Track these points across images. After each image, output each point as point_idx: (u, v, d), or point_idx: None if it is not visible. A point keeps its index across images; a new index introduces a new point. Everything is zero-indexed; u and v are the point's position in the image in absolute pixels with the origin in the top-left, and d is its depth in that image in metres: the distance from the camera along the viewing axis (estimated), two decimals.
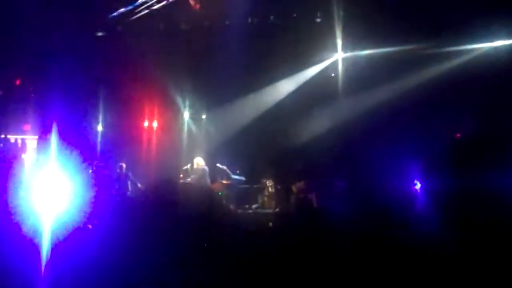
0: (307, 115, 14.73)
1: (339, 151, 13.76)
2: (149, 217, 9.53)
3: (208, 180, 13.60)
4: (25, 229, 7.60)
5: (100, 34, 13.84)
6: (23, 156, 14.22)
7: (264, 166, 14.46)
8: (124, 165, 14.19)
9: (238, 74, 14.12)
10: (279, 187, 13.82)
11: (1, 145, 14.42)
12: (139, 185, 13.95)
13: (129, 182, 14.05)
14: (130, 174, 14.23)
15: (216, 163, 14.04)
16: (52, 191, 12.08)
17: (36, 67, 14.19)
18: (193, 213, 10.10)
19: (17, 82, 15.09)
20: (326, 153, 13.66)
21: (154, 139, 16.42)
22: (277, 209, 12.92)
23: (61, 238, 7.57)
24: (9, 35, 12.80)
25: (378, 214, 8.89)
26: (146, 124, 16.63)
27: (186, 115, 16.84)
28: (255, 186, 14.34)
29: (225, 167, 13.98)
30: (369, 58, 14.08)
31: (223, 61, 13.55)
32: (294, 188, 13.05)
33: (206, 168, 13.65)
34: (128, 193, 13.82)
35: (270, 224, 10.55)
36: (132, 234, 7.98)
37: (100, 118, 16.02)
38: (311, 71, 15.12)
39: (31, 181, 12.31)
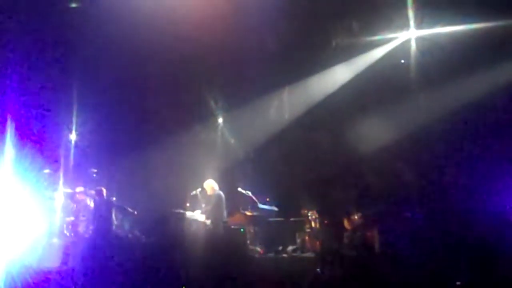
0: (366, 117, 14.70)
1: (411, 169, 13.69)
2: (142, 268, 9.91)
3: (225, 212, 13.61)
4: None
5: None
6: None
7: (304, 191, 14.37)
8: (104, 190, 14.13)
9: (267, 58, 14.29)
10: (326, 221, 13.64)
11: None
12: (129, 209, 14.13)
13: (113, 213, 14.03)
14: (114, 200, 14.32)
15: (237, 186, 14.11)
16: (3, 222, 12.36)
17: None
18: (204, 261, 10.24)
19: None
20: (393, 172, 13.67)
21: (150, 152, 16.24)
22: (324, 253, 12.55)
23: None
24: None
25: (475, 261, 8.96)
26: (139, 130, 16.58)
27: (196, 118, 16.88)
28: (292, 219, 14.22)
29: (249, 193, 14.01)
30: (454, 37, 13.73)
31: (246, 39, 13.77)
32: (347, 223, 13.01)
33: (222, 194, 13.66)
34: (113, 229, 13.86)
35: (314, 275, 10.58)
36: None
37: (75, 120, 16.12)
38: (370, 57, 15.03)
39: None
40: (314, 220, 13.77)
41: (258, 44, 14.29)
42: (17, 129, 14.08)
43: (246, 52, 14.34)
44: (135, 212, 14.30)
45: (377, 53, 14.99)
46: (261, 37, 14.06)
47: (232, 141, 16.55)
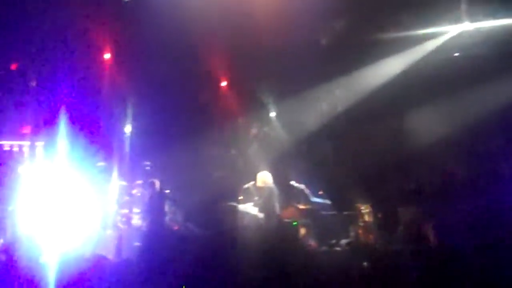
0: (418, 110, 15.08)
1: (466, 162, 14.07)
2: (194, 260, 9.93)
3: (277, 205, 14.03)
4: (20, 261, 8.59)
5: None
6: (20, 167, 15.24)
7: (358, 184, 14.72)
8: (157, 182, 15.01)
9: (319, 50, 14.89)
10: (379, 215, 14.09)
11: None
12: (182, 201, 14.95)
13: (167, 205, 14.81)
14: (167, 193, 15.06)
15: (290, 179, 14.51)
16: (58, 214, 13.61)
17: (40, 49, 15.00)
18: (256, 254, 10.32)
19: (13, 67, 15.89)
20: (447, 166, 14.02)
21: (203, 145, 16.98)
22: (377, 246, 13.05)
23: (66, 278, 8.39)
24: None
25: None
26: (192, 123, 17.26)
27: (248, 111, 17.57)
28: (345, 213, 14.56)
29: (303, 186, 14.43)
30: (508, 29, 14.12)
31: (298, 31, 14.27)
32: (402, 217, 13.32)
33: (275, 187, 14.11)
34: (166, 220, 14.62)
35: (368, 268, 10.50)
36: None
37: (129, 116, 17.06)
38: (423, 49, 15.29)
39: (29, 201, 13.45)
40: (368, 213, 14.12)
41: (310, 36, 14.82)
42: (72, 122, 15.02)
43: (298, 45, 14.78)
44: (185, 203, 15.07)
45: (429, 46, 15.20)
46: (313, 29, 14.57)
47: (285, 134, 16.95)
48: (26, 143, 15.92)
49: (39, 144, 15.75)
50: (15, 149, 15.88)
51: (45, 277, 8.36)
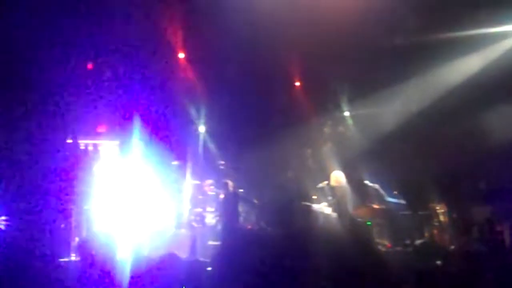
0: (495, 110, 15.15)
1: None
2: (268, 260, 9.73)
3: (351, 205, 14.44)
4: (95, 259, 8.80)
5: None
6: (95, 166, 15.78)
7: (432, 184, 14.91)
8: (230, 182, 15.49)
9: (394, 49, 15.16)
10: (454, 215, 14.33)
11: (67, 152, 15.91)
12: (255, 201, 15.34)
13: (240, 205, 15.41)
14: (241, 192, 15.58)
15: (364, 179, 14.90)
16: (133, 213, 14.14)
17: (116, 48, 15.61)
18: (330, 254, 10.66)
19: (89, 66, 16.63)
20: None
21: (276, 144, 17.25)
22: (453, 247, 13.08)
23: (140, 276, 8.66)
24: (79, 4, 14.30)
25: None
26: (266, 122, 17.76)
27: (322, 111, 18.01)
28: (419, 213, 14.81)
29: (377, 186, 14.74)
30: None
31: (373, 30, 14.60)
32: (477, 217, 13.67)
33: (348, 186, 14.51)
34: (240, 220, 15.23)
35: (442, 269, 10.54)
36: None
37: (203, 116, 17.84)
38: (501, 47, 15.38)
39: (104, 200, 14.28)
40: (443, 213, 14.40)
41: (386, 35, 15.05)
42: (147, 122, 15.65)
43: (373, 43, 15.12)
44: (258, 203, 15.51)
45: (507, 44, 15.32)
46: (389, 27, 14.76)
47: (359, 133, 17.37)
48: (101, 142, 16.37)
49: (114, 143, 16.26)
50: (90, 148, 16.26)
51: (119, 274, 8.57)
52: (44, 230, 12.92)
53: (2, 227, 13.16)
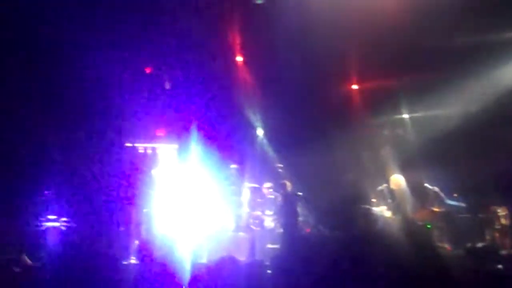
0: None
1: None
2: (327, 263, 10.12)
3: (410, 207, 14.61)
4: (155, 262, 9.13)
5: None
6: (154, 170, 16.37)
7: (493, 186, 14.93)
8: (288, 184, 15.76)
9: (452, 49, 15.22)
10: None
11: (126, 156, 16.53)
12: (313, 204, 15.66)
13: (299, 207, 15.57)
14: (299, 195, 15.80)
15: (423, 181, 14.96)
16: (191, 216, 14.51)
17: (174, 50, 16.01)
18: (390, 257, 10.80)
19: (147, 70, 17.19)
20: None
21: (335, 147, 17.50)
22: None
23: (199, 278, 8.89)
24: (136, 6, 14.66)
25: None
26: (323, 125, 17.90)
27: (380, 113, 18.22)
28: (480, 215, 14.85)
29: (436, 189, 14.82)
30: None
31: (431, 30, 14.76)
32: None
33: (408, 189, 14.69)
34: (299, 222, 15.38)
35: (504, 272, 10.67)
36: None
37: (260, 119, 18.21)
38: None
39: (163, 203, 14.77)
40: (504, 216, 14.43)
41: (445, 36, 15.14)
42: (205, 125, 16.05)
43: (432, 44, 15.23)
44: (316, 206, 15.71)
45: None
46: (448, 28, 14.85)
47: (418, 136, 17.44)
48: (160, 146, 16.95)
49: (173, 147, 16.80)
50: (149, 151, 16.88)
51: (178, 277, 8.78)
52: (104, 232, 13.48)
53: (63, 228, 13.78)
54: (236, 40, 16.50)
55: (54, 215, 14.19)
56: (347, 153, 17.42)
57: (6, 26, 13.54)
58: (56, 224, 14.08)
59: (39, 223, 14.06)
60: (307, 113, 17.51)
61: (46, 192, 14.69)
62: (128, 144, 16.66)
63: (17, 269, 10.26)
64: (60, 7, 13.51)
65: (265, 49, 16.08)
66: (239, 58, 17.31)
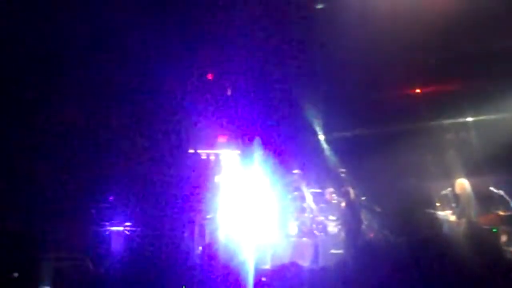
0: None
1: None
2: (392, 267, 10.06)
3: (476, 212, 14.56)
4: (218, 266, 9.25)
5: None
6: (217, 176, 16.75)
7: None
8: (351, 190, 15.95)
9: None
10: None
11: (189, 162, 17.01)
12: (377, 209, 15.72)
13: (362, 212, 15.81)
14: (363, 200, 16.09)
15: (488, 185, 14.98)
16: (254, 222, 14.81)
17: (234, 58, 16.22)
18: (456, 261, 10.90)
19: (209, 77, 17.47)
20: None
21: (397, 151, 17.36)
22: None
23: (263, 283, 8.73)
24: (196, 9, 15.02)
25: None
26: (386, 129, 18.15)
27: (444, 116, 18.19)
28: None
29: (502, 192, 14.77)
30: None
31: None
32: None
33: (472, 193, 14.65)
34: (362, 228, 15.58)
35: None
36: None
37: (322, 124, 18.41)
38: None
39: (226, 209, 15.06)
40: None
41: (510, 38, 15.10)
42: (267, 131, 16.37)
43: (496, 46, 15.36)
44: (380, 211, 15.78)
45: None
46: None
47: (482, 139, 17.34)
48: (222, 152, 17.21)
49: (235, 153, 17.03)
50: (212, 158, 17.20)
51: (243, 282, 8.75)
52: (168, 237, 13.87)
53: (127, 233, 14.14)
54: (298, 44, 16.32)
55: (118, 219, 14.55)
56: (411, 157, 17.37)
57: (79, 31, 13.80)
58: (120, 228, 14.44)
59: (103, 228, 14.43)
60: (370, 117, 17.57)
61: (110, 197, 14.99)
62: (191, 150, 16.81)
63: (81, 274, 10.49)
64: (128, 13, 13.80)
65: (328, 53, 16.13)
66: (301, 63, 17.01)
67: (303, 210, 16.24)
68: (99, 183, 15.01)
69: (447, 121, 18.42)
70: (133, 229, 14.35)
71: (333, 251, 15.20)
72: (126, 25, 13.97)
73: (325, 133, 18.95)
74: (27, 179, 14.19)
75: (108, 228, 14.46)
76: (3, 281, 10.07)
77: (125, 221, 14.47)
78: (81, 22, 13.85)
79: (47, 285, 10.50)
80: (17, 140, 14.16)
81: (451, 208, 14.86)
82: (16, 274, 9.93)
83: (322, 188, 16.66)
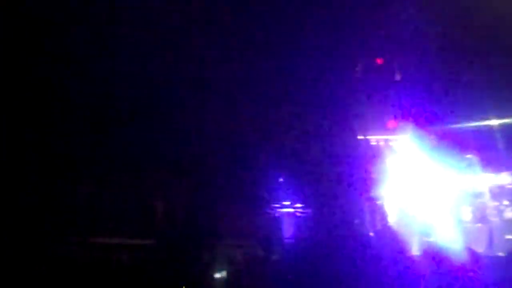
0: None
1: None
2: None
3: None
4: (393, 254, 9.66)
5: None
6: (387, 162, 17.02)
7: None
8: None
9: None
10: None
11: (359, 149, 17.30)
12: None
13: None
14: None
15: None
16: (428, 208, 15.23)
17: (403, 43, 16.28)
18: None
19: (379, 61, 17.70)
20: None
21: None
22: None
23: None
24: None
25: None
26: None
27: None
28: None
29: None
30: None
31: None
32: None
33: None
34: None
35: None
36: None
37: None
38: None
39: (398, 194, 15.31)
40: None
41: None
42: (438, 116, 16.42)
43: None
44: None
45: None
46: None
47: None
48: (392, 138, 17.50)
49: (405, 138, 17.13)
50: (382, 143, 17.56)
51: (415, 269, 9.60)
52: (339, 222, 14.14)
53: (299, 215, 14.46)
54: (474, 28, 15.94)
55: (288, 201, 14.78)
56: None
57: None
58: (291, 210, 14.70)
59: (273, 211, 14.67)
60: None
61: (280, 178, 15.29)
62: (360, 137, 17.08)
63: (252, 262, 10.78)
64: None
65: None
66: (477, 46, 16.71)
67: (477, 195, 16.22)
68: (270, 165, 15.22)
69: None
70: (305, 211, 14.49)
71: (508, 236, 15.10)
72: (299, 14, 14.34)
73: (499, 117, 18.31)
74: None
75: (279, 210, 14.64)
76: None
77: (296, 203, 14.69)
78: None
79: (217, 273, 10.91)
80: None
81: None
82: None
83: (497, 172, 16.49)
